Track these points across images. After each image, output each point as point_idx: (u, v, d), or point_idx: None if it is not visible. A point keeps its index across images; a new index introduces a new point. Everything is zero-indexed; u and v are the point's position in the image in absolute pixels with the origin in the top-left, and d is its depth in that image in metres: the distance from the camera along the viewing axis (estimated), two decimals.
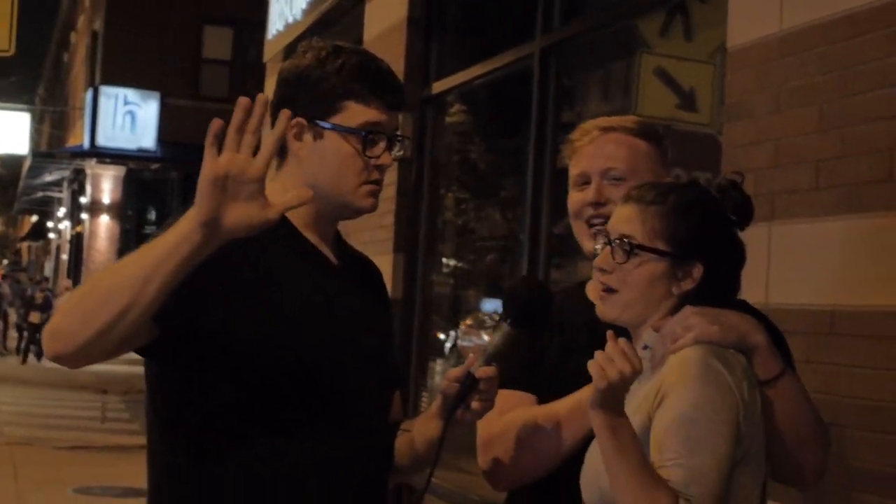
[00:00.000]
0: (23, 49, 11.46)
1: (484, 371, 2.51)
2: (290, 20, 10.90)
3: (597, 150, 2.88)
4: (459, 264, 8.66)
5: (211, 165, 2.08)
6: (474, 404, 2.53)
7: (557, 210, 6.21)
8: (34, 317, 27.78)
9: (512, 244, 7.49)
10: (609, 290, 2.53)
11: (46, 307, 28.05)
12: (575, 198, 2.89)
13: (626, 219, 2.54)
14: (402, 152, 2.62)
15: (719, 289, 2.53)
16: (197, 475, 2.44)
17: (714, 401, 2.30)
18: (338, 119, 2.54)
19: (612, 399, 2.29)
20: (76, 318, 2.18)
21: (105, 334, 2.17)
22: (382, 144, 2.56)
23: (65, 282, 32.16)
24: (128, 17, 31.20)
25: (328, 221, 2.64)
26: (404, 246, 7.86)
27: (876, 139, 3.54)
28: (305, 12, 10.39)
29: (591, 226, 2.86)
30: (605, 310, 2.56)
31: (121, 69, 30.56)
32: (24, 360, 27.25)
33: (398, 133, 2.61)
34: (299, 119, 2.54)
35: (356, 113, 2.54)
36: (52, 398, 19.68)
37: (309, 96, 2.55)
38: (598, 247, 2.56)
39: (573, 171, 2.91)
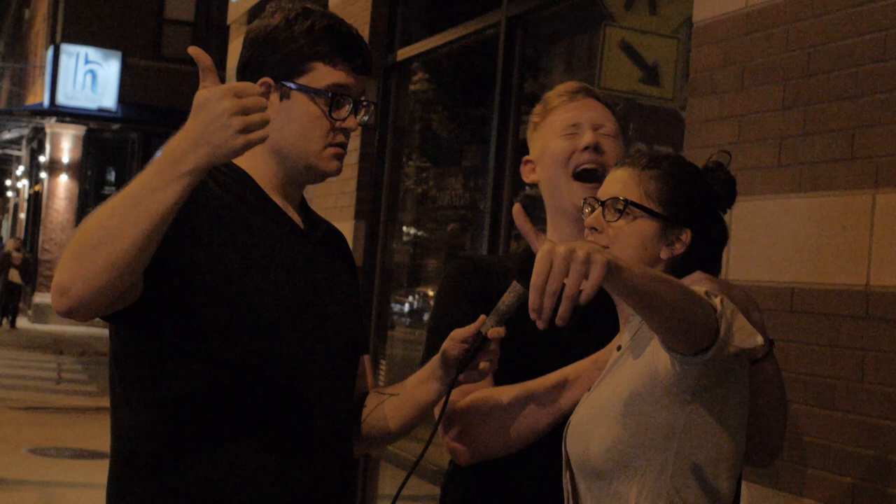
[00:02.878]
0: None
1: (496, 331, 2.47)
2: None
3: (584, 107, 2.84)
4: (420, 233, 8.65)
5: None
6: (481, 365, 2.51)
7: (519, 181, 6.19)
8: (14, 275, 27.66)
9: (473, 214, 7.48)
10: None
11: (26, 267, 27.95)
12: (564, 144, 2.81)
13: (619, 181, 2.54)
14: (367, 117, 2.62)
15: (703, 262, 2.54)
16: (162, 438, 2.42)
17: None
18: (305, 80, 2.55)
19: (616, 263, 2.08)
20: (90, 270, 2.10)
21: (118, 282, 2.13)
22: (348, 107, 2.56)
23: (12, 242, 31.49)
24: None
25: (294, 185, 2.63)
26: (365, 213, 7.85)
27: (838, 118, 3.56)
28: None
29: (579, 178, 2.79)
30: None
31: (82, 27, 30.26)
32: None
33: (364, 98, 2.61)
34: (266, 79, 2.55)
35: (323, 74, 2.55)
36: (7, 359, 19.60)
37: (276, 57, 2.55)
38: (587, 210, 2.55)
39: (557, 123, 2.83)
